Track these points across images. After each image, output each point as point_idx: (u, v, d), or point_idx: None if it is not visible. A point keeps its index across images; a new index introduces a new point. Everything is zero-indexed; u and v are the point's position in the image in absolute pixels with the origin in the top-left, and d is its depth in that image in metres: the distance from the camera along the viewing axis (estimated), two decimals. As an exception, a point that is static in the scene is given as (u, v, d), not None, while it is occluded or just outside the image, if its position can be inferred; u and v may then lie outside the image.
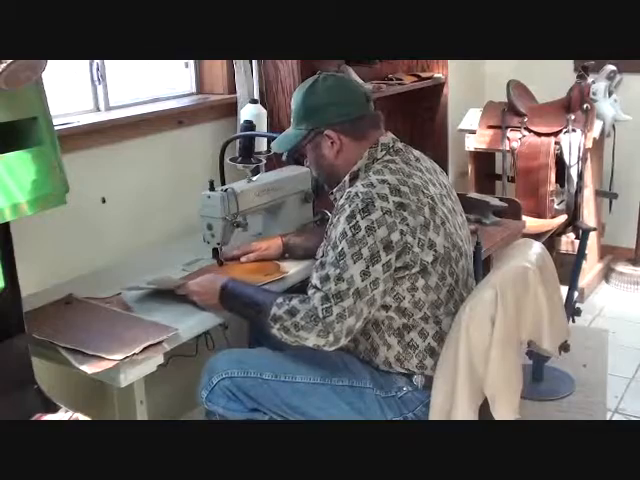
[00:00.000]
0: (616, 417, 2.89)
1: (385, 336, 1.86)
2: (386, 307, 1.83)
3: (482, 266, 2.39)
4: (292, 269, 2.24)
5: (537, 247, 1.99)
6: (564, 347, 2.46)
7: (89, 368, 1.70)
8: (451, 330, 1.80)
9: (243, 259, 2.28)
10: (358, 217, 1.76)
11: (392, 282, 1.78)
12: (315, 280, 1.79)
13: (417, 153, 1.98)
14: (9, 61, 1.46)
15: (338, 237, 1.77)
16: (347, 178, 1.93)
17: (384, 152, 1.92)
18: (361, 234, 1.75)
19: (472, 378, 1.74)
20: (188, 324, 1.93)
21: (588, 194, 3.88)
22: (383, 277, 1.75)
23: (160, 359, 1.81)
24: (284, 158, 2.40)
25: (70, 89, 2.50)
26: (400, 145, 1.96)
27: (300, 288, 2.09)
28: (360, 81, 3.07)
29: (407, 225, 1.77)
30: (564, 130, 3.71)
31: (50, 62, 1.57)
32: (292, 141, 1.99)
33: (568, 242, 4.02)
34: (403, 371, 1.87)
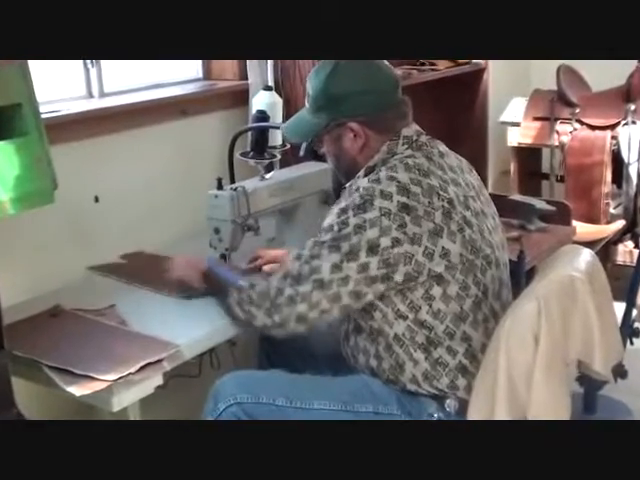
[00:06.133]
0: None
1: (410, 350, 1.85)
2: (403, 317, 1.83)
3: (526, 278, 2.37)
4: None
5: (586, 254, 1.97)
6: (620, 373, 2.43)
7: (78, 390, 1.70)
8: (488, 348, 1.78)
9: (266, 268, 2.27)
10: (350, 213, 1.79)
11: (366, 286, 1.79)
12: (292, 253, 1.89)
13: (443, 148, 1.96)
14: None
15: (324, 228, 1.83)
16: (361, 174, 1.91)
17: (405, 146, 1.90)
18: (347, 231, 1.78)
19: (513, 402, 1.72)
20: (191, 340, 1.93)
21: (649, 197, 3.85)
22: (355, 277, 1.78)
23: (159, 380, 1.81)
24: (302, 153, 2.38)
25: (60, 73, 2.51)
26: (424, 139, 1.93)
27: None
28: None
29: (404, 233, 1.76)
30: (622, 122, 3.69)
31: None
32: (308, 131, 1.99)
33: (626, 252, 3.98)
34: (433, 391, 1.86)
